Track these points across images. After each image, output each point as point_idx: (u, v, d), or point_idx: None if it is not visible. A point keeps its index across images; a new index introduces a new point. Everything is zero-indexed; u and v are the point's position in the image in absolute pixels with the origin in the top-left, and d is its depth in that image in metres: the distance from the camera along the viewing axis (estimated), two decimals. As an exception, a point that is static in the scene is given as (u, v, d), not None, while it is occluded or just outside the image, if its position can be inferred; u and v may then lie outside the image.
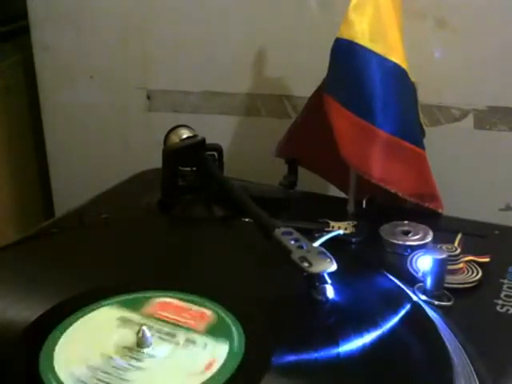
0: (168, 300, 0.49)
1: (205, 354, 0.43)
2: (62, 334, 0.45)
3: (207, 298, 0.48)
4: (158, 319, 0.47)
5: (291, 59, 0.85)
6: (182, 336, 0.45)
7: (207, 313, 0.47)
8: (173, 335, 0.45)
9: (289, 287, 0.51)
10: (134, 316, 0.47)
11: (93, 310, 0.48)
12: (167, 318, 0.47)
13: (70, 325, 0.46)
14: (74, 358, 0.43)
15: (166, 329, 0.45)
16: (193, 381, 0.41)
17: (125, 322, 0.47)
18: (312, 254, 0.49)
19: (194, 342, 0.44)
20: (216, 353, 0.43)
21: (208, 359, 0.42)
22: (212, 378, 0.41)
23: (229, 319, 0.46)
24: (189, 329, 0.45)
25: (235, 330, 0.45)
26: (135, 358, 0.43)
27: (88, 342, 0.45)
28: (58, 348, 0.44)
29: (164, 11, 0.88)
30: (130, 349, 0.44)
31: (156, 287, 0.50)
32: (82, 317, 0.47)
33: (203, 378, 0.41)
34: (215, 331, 0.45)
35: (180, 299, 0.48)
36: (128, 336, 0.45)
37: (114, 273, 0.54)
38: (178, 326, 0.46)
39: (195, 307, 0.48)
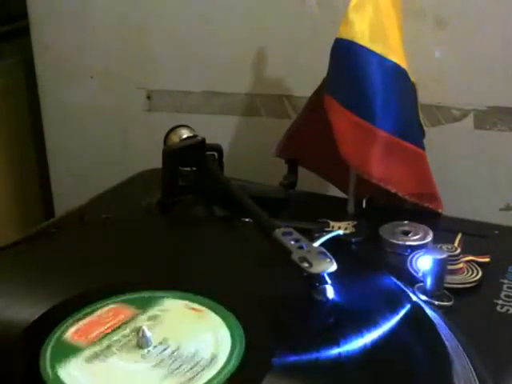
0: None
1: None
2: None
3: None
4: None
5: (291, 59, 0.85)
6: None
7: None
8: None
9: (289, 287, 0.51)
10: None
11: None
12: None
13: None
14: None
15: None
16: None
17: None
18: (312, 254, 0.49)
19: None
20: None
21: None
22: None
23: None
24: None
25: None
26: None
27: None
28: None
29: (164, 11, 0.88)
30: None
31: (156, 287, 0.50)
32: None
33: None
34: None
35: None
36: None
37: (113, 273, 0.54)
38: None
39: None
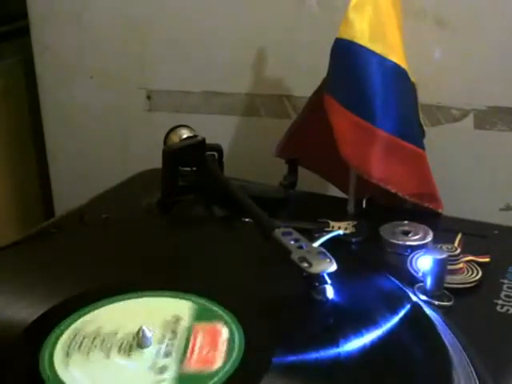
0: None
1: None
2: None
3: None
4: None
5: (291, 59, 0.85)
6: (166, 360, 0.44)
7: (215, 362, 0.44)
8: (167, 354, 0.45)
9: (289, 287, 0.51)
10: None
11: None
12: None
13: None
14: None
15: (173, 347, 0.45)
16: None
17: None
18: (312, 254, 0.49)
19: (161, 372, 0.43)
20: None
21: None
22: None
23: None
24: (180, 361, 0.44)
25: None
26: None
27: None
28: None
29: (164, 11, 0.88)
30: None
31: (154, 287, 0.50)
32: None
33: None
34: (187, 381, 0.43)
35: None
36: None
37: (113, 273, 0.54)
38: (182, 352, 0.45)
39: (223, 349, 0.45)
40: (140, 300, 0.49)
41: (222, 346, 0.44)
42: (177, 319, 0.47)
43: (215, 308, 0.48)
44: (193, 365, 0.43)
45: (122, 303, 0.49)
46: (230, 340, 0.44)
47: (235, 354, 0.43)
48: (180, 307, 0.48)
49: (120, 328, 0.46)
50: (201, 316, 0.47)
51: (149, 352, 0.44)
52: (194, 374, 0.42)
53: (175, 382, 0.41)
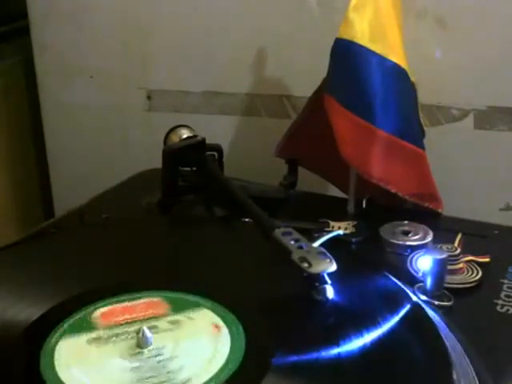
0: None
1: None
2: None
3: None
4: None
5: (291, 59, 0.85)
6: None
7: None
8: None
9: (289, 287, 0.51)
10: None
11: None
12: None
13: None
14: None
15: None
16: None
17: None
18: (312, 254, 0.49)
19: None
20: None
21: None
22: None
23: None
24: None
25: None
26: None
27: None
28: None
29: (164, 11, 0.88)
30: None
31: (154, 287, 0.50)
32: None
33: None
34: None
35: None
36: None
37: (114, 273, 0.54)
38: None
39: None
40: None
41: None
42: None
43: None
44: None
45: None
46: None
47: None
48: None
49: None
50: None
51: (140, 353, 0.44)
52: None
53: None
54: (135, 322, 0.46)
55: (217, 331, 0.46)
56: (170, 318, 0.47)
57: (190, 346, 0.45)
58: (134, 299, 0.49)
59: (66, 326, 0.46)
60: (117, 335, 0.45)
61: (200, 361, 0.43)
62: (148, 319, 0.47)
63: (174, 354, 0.44)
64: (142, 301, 0.49)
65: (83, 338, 0.45)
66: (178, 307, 0.48)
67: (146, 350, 0.44)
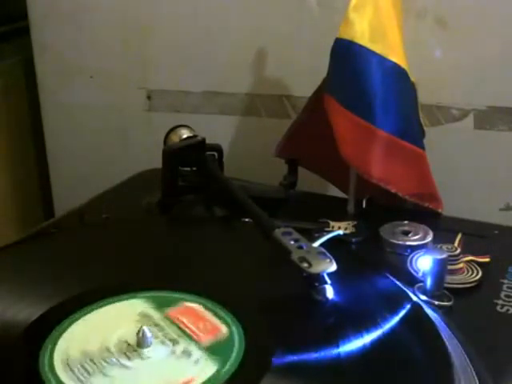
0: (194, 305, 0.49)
1: (191, 370, 0.42)
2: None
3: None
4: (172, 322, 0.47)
5: (291, 59, 0.85)
6: (182, 345, 0.44)
7: (222, 329, 0.46)
8: (175, 342, 0.45)
9: (289, 287, 0.51)
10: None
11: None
12: (183, 323, 0.47)
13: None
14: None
15: (173, 335, 0.45)
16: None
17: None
18: (312, 254, 0.49)
19: (189, 355, 0.43)
20: (201, 372, 0.42)
21: (188, 377, 0.42)
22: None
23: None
24: (192, 340, 0.45)
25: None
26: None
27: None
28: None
29: (164, 11, 0.88)
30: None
31: (151, 287, 0.50)
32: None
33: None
34: (216, 350, 0.44)
35: (206, 308, 0.48)
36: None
37: (113, 273, 0.54)
38: (186, 334, 0.45)
39: (214, 319, 0.47)
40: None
41: (210, 316, 0.46)
42: (145, 315, 0.47)
43: (165, 294, 0.49)
44: (205, 338, 0.44)
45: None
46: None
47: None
48: (135, 306, 0.48)
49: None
50: (162, 304, 0.48)
51: (143, 352, 0.44)
52: (215, 343, 0.44)
53: (210, 354, 0.43)
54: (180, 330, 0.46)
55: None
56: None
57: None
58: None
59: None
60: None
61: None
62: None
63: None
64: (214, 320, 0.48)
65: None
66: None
67: (144, 350, 0.44)
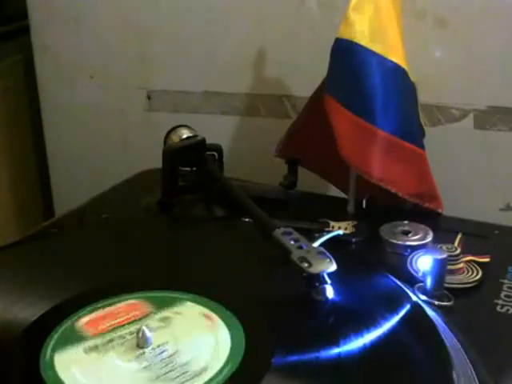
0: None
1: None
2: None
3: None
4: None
5: (291, 59, 0.85)
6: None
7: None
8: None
9: (289, 287, 0.51)
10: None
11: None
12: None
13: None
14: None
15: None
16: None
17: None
18: (312, 254, 0.49)
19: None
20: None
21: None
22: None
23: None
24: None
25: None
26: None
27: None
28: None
29: (164, 11, 0.88)
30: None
31: (148, 287, 0.50)
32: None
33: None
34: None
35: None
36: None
37: (113, 273, 0.54)
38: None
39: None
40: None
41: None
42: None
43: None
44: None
45: (118, 304, 0.48)
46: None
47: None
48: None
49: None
50: (161, 305, 0.48)
51: (144, 352, 0.44)
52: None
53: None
54: (123, 325, 0.46)
55: (210, 321, 0.46)
56: (158, 316, 0.47)
57: (189, 338, 0.45)
58: (111, 304, 0.48)
59: (54, 339, 0.45)
60: (112, 340, 0.45)
61: (206, 350, 0.43)
62: (135, 321, 0.46)
63: (177, 349, 0.44)
64: (123, 304, 0.48)
65: (79, 348, 0.44)
66: (161, 305, 0.48)
67: (147, 350, 0.44)
